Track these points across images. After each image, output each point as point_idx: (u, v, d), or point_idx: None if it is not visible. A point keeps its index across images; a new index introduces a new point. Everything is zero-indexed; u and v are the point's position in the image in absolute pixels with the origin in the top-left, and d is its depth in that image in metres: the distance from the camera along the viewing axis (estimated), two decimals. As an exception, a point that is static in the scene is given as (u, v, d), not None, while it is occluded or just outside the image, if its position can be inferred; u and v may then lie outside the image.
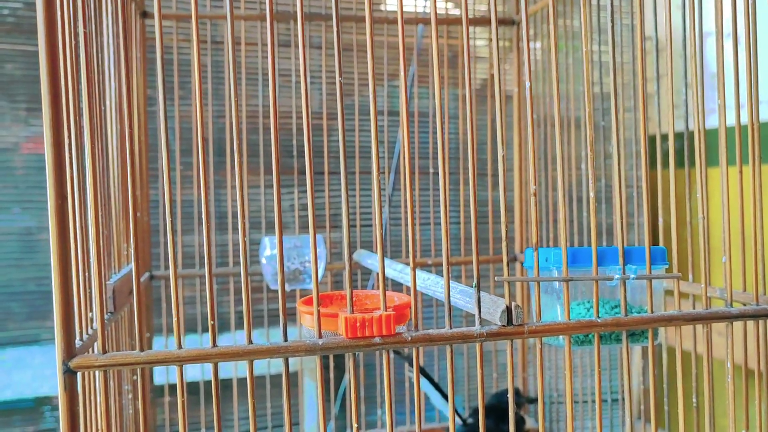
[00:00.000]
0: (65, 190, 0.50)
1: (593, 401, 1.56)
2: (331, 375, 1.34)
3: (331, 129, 1.48)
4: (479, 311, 0.57)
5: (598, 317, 0.59)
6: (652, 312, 0.60)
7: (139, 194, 0.95)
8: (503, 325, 0.57)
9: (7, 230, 1.56)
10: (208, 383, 1.35)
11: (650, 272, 0.60)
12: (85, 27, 0.54)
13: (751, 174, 0.66)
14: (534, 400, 1.19)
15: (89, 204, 0.52)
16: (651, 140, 1.66)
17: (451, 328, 0.57)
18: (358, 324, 0.54)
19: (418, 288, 0.70)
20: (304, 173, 1.33)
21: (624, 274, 0.59)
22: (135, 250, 0.51)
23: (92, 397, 0.59)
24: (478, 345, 0.57)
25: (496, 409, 1.12)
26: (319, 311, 0.54)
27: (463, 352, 1.42)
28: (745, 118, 0.69)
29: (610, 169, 1.61)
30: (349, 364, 1.43)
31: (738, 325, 0.68)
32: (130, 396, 0.80)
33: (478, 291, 0.57)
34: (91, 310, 0.60)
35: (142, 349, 0.52)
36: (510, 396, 0.59)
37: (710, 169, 0.72)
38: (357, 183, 1.32)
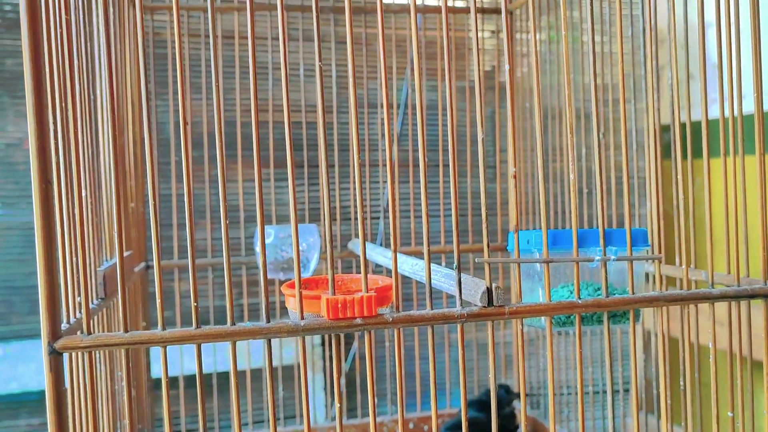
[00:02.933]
0: (49, 175, 0.51)
1: (596, 392, 1.56)
2: (333, 363, 1.35)
3: (339, 123, 1.48)
4: (460, 292, 0.58)
5: (579, 298, 0.59)
6: (633, 293, 0.61)
7: (133, 185, 0.96)
8: (484, 306, 0.57)
9: (9, 225, 1.58)
10: (208, 377, 1.36)
11: (631, 254, 0.61)
12: (67, 14, 0.55)
13: (732, 163, 0.67)
14: (527, 395, 1.20)
15: (74, 188, 0.53)
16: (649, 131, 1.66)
17: (432, 309, 0.57)
18: (339, 305, 0.55)
19: (407, 274, 0.71)
20: (303, 166, 1.34)
21: (605, 255, 0.60)
22: (118, 226, 0.52)
23: (81, 382, 0.60)
24: (459, 326, 0.58)
25: (488, 403, 1.13)
26: (301, 293, 0.55)
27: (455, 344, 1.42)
28: (741, 108, 0.69)
29: (608, 161, 1.61)
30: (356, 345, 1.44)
31: (723, 308, 0.69)
32: (123, 383, 0.81)
33: (459, 272, 0.58)
34: (80, 295, 0.61)
35: (126, 330, 0.53)
36: (491, 378, 0.60)
37: (697, 160, 0.72)
38: (360, 175, 1.32)
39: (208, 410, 1.36)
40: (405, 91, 1.63)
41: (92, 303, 0.67)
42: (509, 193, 1.33)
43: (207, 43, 1.30)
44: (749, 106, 0.72)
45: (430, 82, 1.58)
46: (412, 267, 0.72)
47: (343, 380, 1.50)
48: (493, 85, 1.56)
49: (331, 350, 1.51)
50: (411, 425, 1.24)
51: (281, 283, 1.10)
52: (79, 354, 0.57)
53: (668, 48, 0.75)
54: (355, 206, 1.40)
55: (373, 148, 1.47)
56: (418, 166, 1.42)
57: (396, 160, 1.41)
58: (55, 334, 0.51)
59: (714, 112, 1.18)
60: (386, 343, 1.33)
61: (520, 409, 1.18)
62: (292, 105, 1.46)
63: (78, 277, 0.61)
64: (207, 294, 1.32)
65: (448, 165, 1.59)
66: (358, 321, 0.55)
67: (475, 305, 0.58)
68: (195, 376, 1.37)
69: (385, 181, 1.63)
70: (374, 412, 0.58)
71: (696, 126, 0.74)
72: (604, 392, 1.67)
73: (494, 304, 0.57)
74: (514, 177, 0.58)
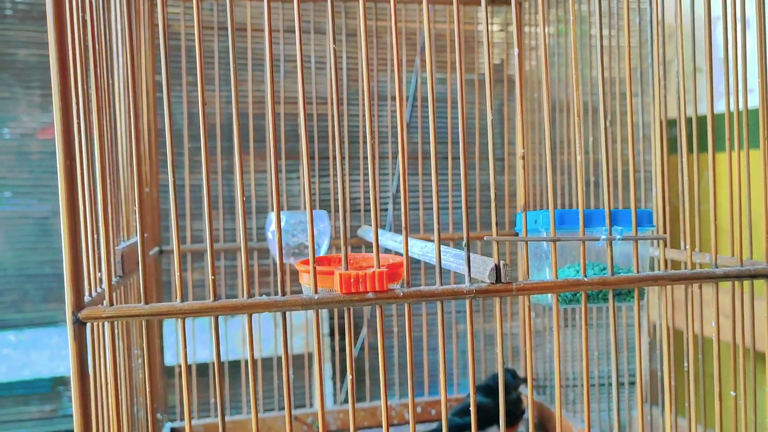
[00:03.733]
0: (73, 152, 0.53)
1: (602, 384, 1.58)
2: (346, 337, 1.37)
3: (349, 115, 1.50)
4: (469, 269, 0.59)
5: (585, 276, 0.61)
6: (638, 272, 0.62)
7: (147, 171, 0.98)
8: (492, 283, 0.59)
9: (22, 214, 1.60)
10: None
11: (636, 233, 0.62)
12: (92, 6, 0.57)
13: (737, 157, 0.68)
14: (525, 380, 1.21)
15: (96, 165, 0.55)
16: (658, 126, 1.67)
17: (441, 285, 0.59)
18: (352, 280, 0.56)
19: (416, 256, 0.73)
20: (313, 158, 1.36)
21: (610, 235, 0.61)
22: (139, 201, 0.54)
23: (102, 354, 0.62)
24: (468, 302, 0.60)
25: (495, 389, 1.14)
26: (315, 268, 0.57)
27: (462, 334, 1.44)
28: (737, 104, 0.70)
29: (615, 153, 1.62)
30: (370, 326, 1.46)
31: (727, 301, 0.70)
32: (139, 360, 0.83)
33: (468, 249, 0.59)
34: (100, 271, 0.63)
35: (146, 302, 0.55)
36: (499, 355, 0.61)
37: (703, 154, 0.73)
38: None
39: (207, 398, 1.38)
40: (414, 84, 1.65)
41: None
42: (517, 174, 1.35)
43: (219, 35, 1.32)
44: (754, 101, 0.73)
45: (439, 74, 1.60)
46: (421, 249, 0.74)
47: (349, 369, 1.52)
48: (502, 78, 1.57)
49: (342, 340, 1.53)
50: (419, 409, 1.26)
51: (293, 268, 1.12)
52: (102, 325, 0.59)
53: (675, 42, 0.77)
54: (365, 196, 1.42)
55: (382, 140, 1.49)
56: (427, 158, 1.44)
57: (406, 147, 1.43)
58: (78, 304, 0.53)
59: (720, 107, 1.20)
60: (395, 328, 1.35)
61: (527, 394, 1.19)
62: (294, 98, 1.48)
63: (99, 254, 0.63)
64: (219, 282, 1.34)
65: (457, 158, 1.61)
66: (370, 295, 0.57)
67: (484, 282, 0.59)
68: (206, 364, 1.39)
69: (394, 173, 1.64)
70: (385, 386, 0.60)
71: (702, 120, 0.76)
72: (610, 385, 1.69)
73: (502, 280, 0.59)
74: (523, 158, 0.60)
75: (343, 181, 0.56)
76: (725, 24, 0.76)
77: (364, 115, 1.36)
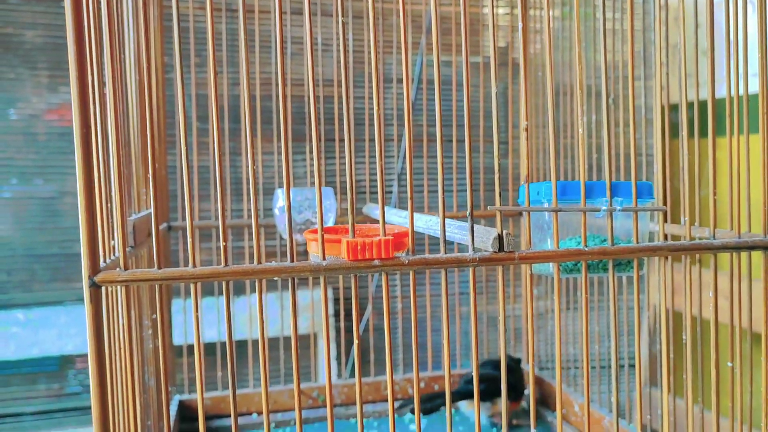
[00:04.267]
0: (89, 120, 0.54)
1: (602, 367, 1.60)
2: (342, 339, 1.39)
3: (354, 97, 1.51)
4: (472, 239, 0.61)
5: (586, 246, 0.62)
6: (638, 243, 0.64)
7: (157, 146, 1.00)
8: (495, 252, 0.61)
9: (30, 194, 1.62)
10: (225, 345, 1.41)
11: (636, 205, 0.64)
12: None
13: (737, 142, 0.69)
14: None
15: (110, 132, 0.57)
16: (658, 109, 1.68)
17: (445, 254, 0.61)
18: (359, 247, 0.58)
19: (420, 230, 0.74)
20: (320, 140, 1.37)
21: (611, 206, 0.63)
22: (153, 163, 0.55)
23: (116, 320, 0.64)
24: (471, 270, 0.61)
25: (496, 363, 1.17)
26: (323, 235, 0.59)
27: (465, 316, 1.46)
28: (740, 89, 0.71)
29: (617, 138, 1.63)
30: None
31: (725, 284, 0.72)
32: (149, 332, 0.85)
33: (471, 219, 0.61)
34: (113, 239, 0.65)
35: (159, 267, 0.57)
36: (501, 322, 0.63)
37: (704, 139, 0.75)
38: (373, 149, 1.36)
39: (224, 377, 1.40)
40: (419, 65, 1.66)
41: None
42: (520, 146, 1.36)
43: (227, 17, 1.33)
44: (755, 86, 0.74)
45: (443, 57, 1.61)
46: (425, 223, 0.76)
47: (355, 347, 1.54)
48: (507, 62, 1.58)
49: (347, 321, 1.55)
50: (422, 384, 1.28)
51: (299, 244, 1.14)
52: (116, 290, 0.61)
53: (679, 26, 0.78)
54: (371, 178, 1.43)
55: (387, 123, 1.51)
56: (432, 141, 1.45)
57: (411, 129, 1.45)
58: (95, 268, 0.55)
59: (722, 91, 1.21)
60: (399, 305, 1.37)
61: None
62: (301, 80, 1.49)
63: (112, 223, 0.65)
64: (212, 264, 1.36)
65: (462, 140, 1.62)
66: (376, 263, 0.59)
67: (487, 251, 0.61)
68: (212, 344, 1.41)
69: (400, 155, 1.66)
70: (390, 357, 0.61)
71: (703, 105, 0.77)
72: (610, 366, 1.71)
73: (505, 249, 0.61)
74: (526, 130, 0.62)
75: (350, 152, 0.58)
76: (727, 8, 0.77)
77: (370, 98, 1.37)
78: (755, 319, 0.71)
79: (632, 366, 1.72)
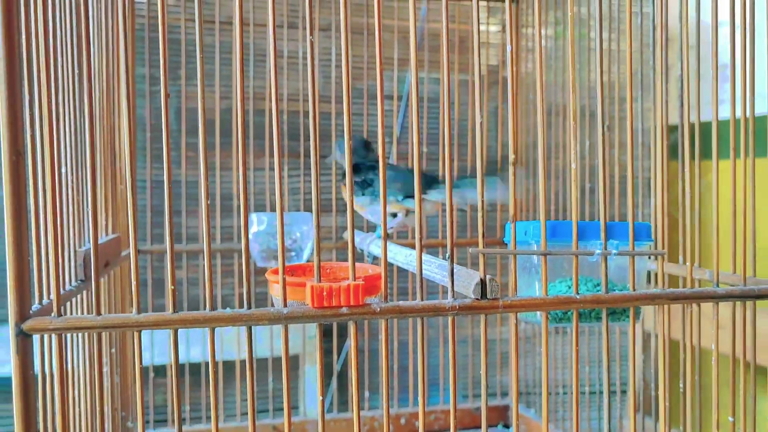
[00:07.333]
0: (20, 146, 0.48)
1: (592, 392, 1.54)
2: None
3: (339, 112, 1.45)
4: (452, 283, 0.55)
5: (577, 293, 0.56)
6: (635, 290, 0.58)
7: (120, 167, 0.93)
8: (477, 299, 0.54)
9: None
10: (201, 366, 1.34)
11: (633, 248, 0.58)
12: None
13: (742, 166, 0.64)
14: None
15: (46, 164, 0.51)
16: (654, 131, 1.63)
17: (422, 300, 0.54)
18: (324, 293, 0.52)
19: (401, 265, 0.68)
20: (299, 156, 1.31)
21: (605, 249, 0.57)
22: (92, 205, 0.49)
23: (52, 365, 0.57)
24: (450, 319, 0.55)
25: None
26: (284, 279, 0.53)
27: (467, 340, 1.40)
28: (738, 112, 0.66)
29: (612, 159, 1.58)
30: (350, 330, 1.42)
31: (727, 313, 0.66)
32: (106, 369, 0.79)
33: (452, 262, 0.55)
34: (65, 269, 0.59)
35: (98, 313, 0.50)
36: (483, 377, 0.57)
37: (705, 161, 0.69)
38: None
39: (198, 399, 1.33)
40: (408, 83, 1.60)
41: (70, 285, 0.64)
42: (508, 182, 1.30)
43: (214, 29, 1.27)
44: (761, 108, 0.69)
45: (433, 74, 1.55)
46: (406, 257, 0.70)
47: (334, 377, 1.47)
48: (498, 80, 1.53)
49: (330, 342, 1.48)
50: (402, 420, 1.21)
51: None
52: (51, 336, 0.54)
53: (678, 47, 0.73)
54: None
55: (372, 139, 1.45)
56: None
57: (396, 153, 1.39)
58: (23, 314, 0.48)
59: (723, 113, 1.15)
60: (381, 336, 1.31)
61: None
62: (293, 94, 1.43)
63: (61, 255, 0.58)
64: (215, 282, 1.29)
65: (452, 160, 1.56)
66: (344, 310, 0.52)
67: (468, 297, 0.55)
68: (198, 363, 1.34)
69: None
70: (358, 407, 0.55)
71: (705, 127, 0.71)
72: (601, 393, 1.65)
73: (488, 296, 0.54)
74: (514, 164, 0.56)
75: (317, 182, 0.52)
76: (733, 29, 0.72)
77: (360, 114, 1.31)
78: (759, 351, 0.65)
79: (623, 392, 1.66)
